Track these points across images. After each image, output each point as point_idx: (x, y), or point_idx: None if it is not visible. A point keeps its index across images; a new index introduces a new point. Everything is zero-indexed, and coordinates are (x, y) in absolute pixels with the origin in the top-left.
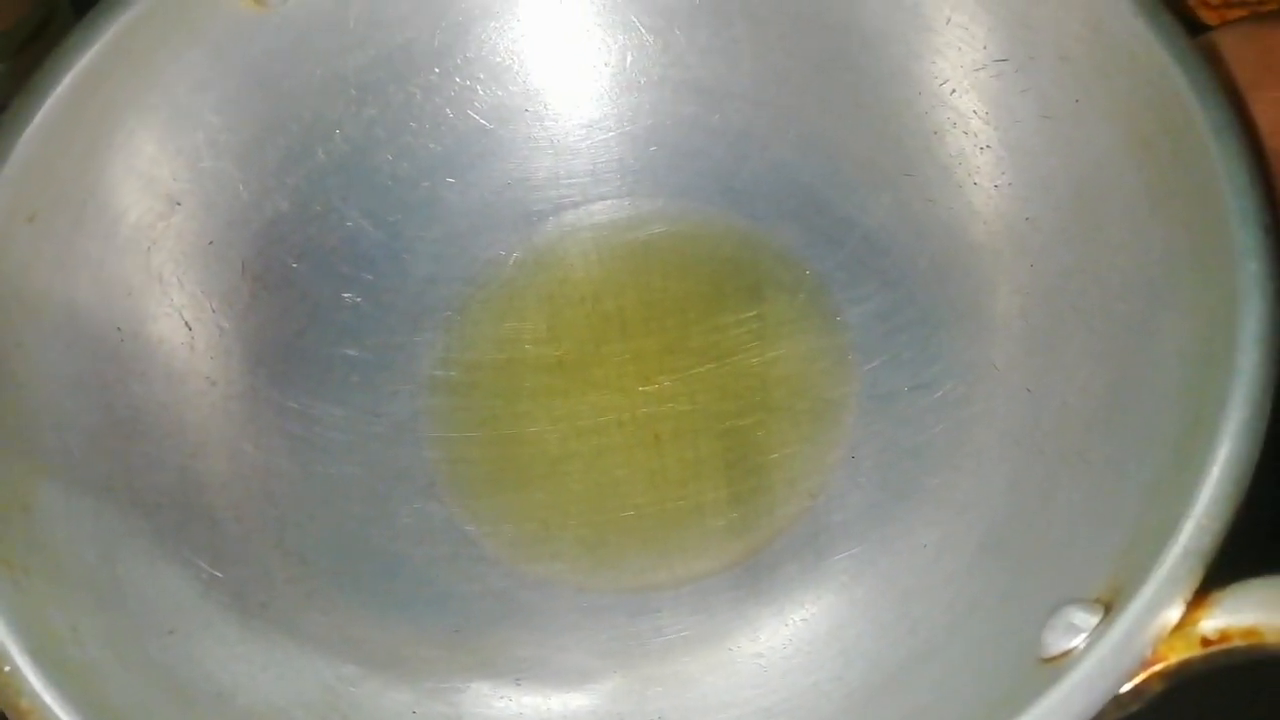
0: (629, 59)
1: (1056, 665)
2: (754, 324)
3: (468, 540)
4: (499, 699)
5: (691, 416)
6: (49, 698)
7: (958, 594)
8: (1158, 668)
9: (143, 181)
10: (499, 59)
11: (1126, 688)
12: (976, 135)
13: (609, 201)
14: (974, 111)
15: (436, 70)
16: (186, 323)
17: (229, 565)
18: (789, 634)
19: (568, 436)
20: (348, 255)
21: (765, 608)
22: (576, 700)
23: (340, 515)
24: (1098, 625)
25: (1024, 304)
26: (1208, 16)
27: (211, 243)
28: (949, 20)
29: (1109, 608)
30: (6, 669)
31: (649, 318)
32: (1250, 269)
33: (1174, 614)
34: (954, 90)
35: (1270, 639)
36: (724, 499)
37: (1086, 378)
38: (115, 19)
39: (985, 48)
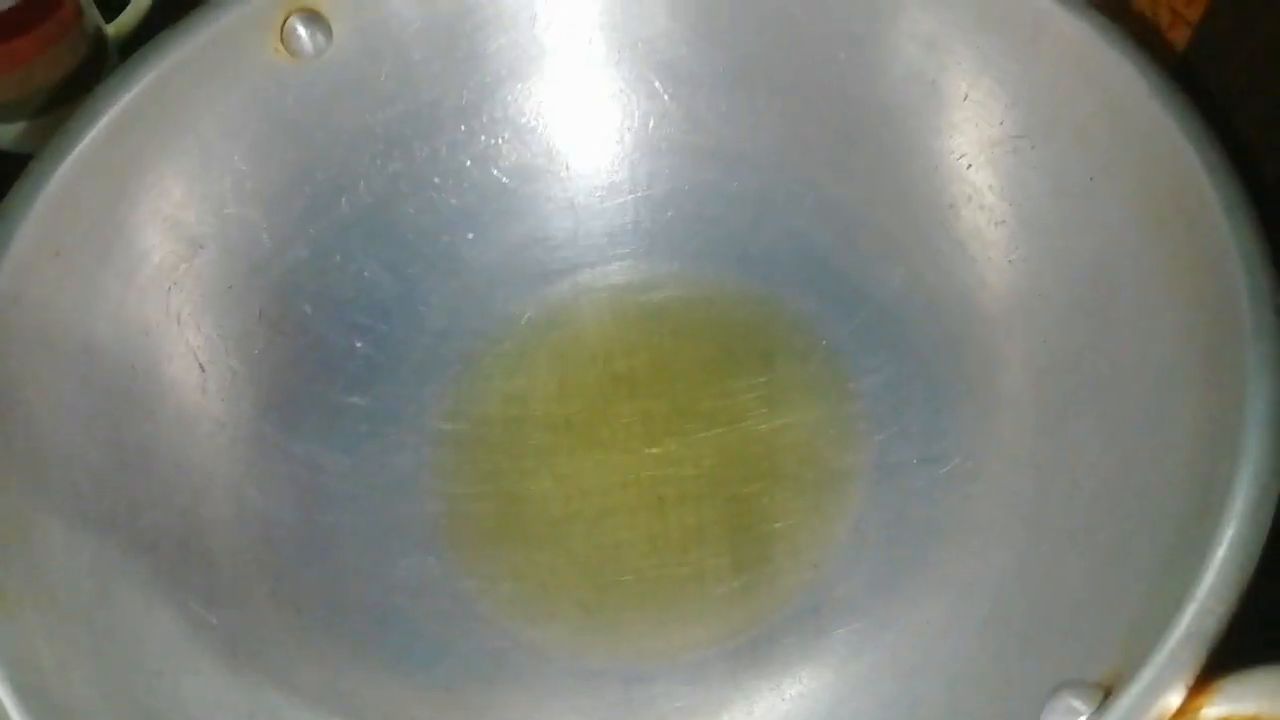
0: (651, 124)
1: None
2: (764, 390)
3: (465, 596)
4: None
5: (697, 481)
6: None
7: (960, 672)
8: None
9: (169, 224)
10: (524, 119)
11: None
12: (991, 210)
13: (625, 263)
14: (989, 186)
15: (462, 128)
16: (201, 364)
17: (222, 609)
18: (785, 709)
19: (571, 496)
20: (364, 305)
21: (762, 681)
22: None
23: (338, 565)
24: (1096, 710)
25: (1035, 380)
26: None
27: (231, 287)
28: (966, 96)
29: (1109, 691)
30: None
31: (659, 379)
32: (1260, 350)
33: (1174, 699)
34: (970, 165)
35: None
36: (726, 566)
37: (1096, 456)
38: (154, 65)
39: (1002, 124)
